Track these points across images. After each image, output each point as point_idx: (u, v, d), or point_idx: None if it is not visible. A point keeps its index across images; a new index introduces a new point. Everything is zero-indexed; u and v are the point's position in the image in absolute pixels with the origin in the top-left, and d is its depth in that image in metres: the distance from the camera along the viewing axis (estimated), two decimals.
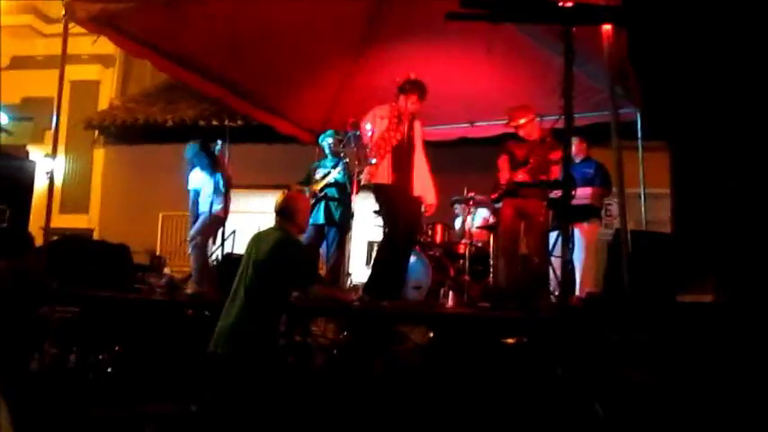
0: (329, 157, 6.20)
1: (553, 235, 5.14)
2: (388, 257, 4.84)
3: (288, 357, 4.38)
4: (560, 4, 2.86)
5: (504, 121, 5.57)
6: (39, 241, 5.43)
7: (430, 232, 6.21)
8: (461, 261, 5.79)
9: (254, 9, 5.34)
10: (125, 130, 10.63)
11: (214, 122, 9.43)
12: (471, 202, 5.79)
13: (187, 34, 5.43)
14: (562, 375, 3.26)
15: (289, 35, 5.89)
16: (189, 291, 5.57)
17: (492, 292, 5.32)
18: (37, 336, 4.62)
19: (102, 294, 4.96)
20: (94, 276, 5.20)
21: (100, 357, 4.70)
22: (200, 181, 5.81)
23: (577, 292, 5.30)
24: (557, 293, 4.81)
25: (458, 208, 6.33)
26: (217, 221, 5.71)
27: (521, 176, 5.07)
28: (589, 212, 5.57)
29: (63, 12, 5.00)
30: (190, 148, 5.73)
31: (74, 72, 9.70)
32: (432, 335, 4.24)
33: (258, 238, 3.98)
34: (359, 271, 6.86)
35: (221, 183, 5.62)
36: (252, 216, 8.76)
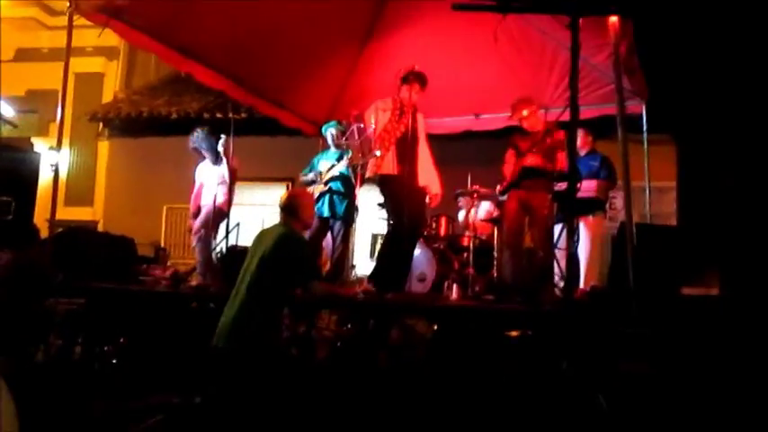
0: (332, 148, 6.19)
1: (558, 228, 5.14)
2: (392, 250, 4.84)
3: (291, 350, 4.39)
4: None
5: (509, 114, 5.55)
6: (44, 233, 5.46)
7: (434, 225, 6.21)
8: (465, 254, 5.78)
9: (260, 1, 5.34)
10: (129, 123, 10.63)
11: (218, 115, 9.43)
12: (475, 195, 5.77)
13: (193, 25, 5.42)
14: (566, 368, 3.26)
15: (295, 28, 5.89)
16: (193, 283, 5.58)
17: (496, 285, 5.32)
18: (42, 327, 4.65)
19: (107, 286, 4.98)
20: (99, 268, 5.20)
21: (105, 349, 4.73)
22: (205, 173, 5.83)
23: (582, 286, 5.29)
24: (561, 286, 4.80)
25: (461, 201, 6.31)
26: (220, 214, 5.71)
27: (530, 160, 5.06)
28: (594, 206, 5.56)
29: (68, 4, 4.99)
30: (197, 134, 5.74)
31: (78, 64, 9.71)
32: (436, 327, 4.25)
33: (262, 235, 4.01)
34: (363, 263, 6.88)
35: (226, 174, 5.63)
36: (256, 208, 8.79)
